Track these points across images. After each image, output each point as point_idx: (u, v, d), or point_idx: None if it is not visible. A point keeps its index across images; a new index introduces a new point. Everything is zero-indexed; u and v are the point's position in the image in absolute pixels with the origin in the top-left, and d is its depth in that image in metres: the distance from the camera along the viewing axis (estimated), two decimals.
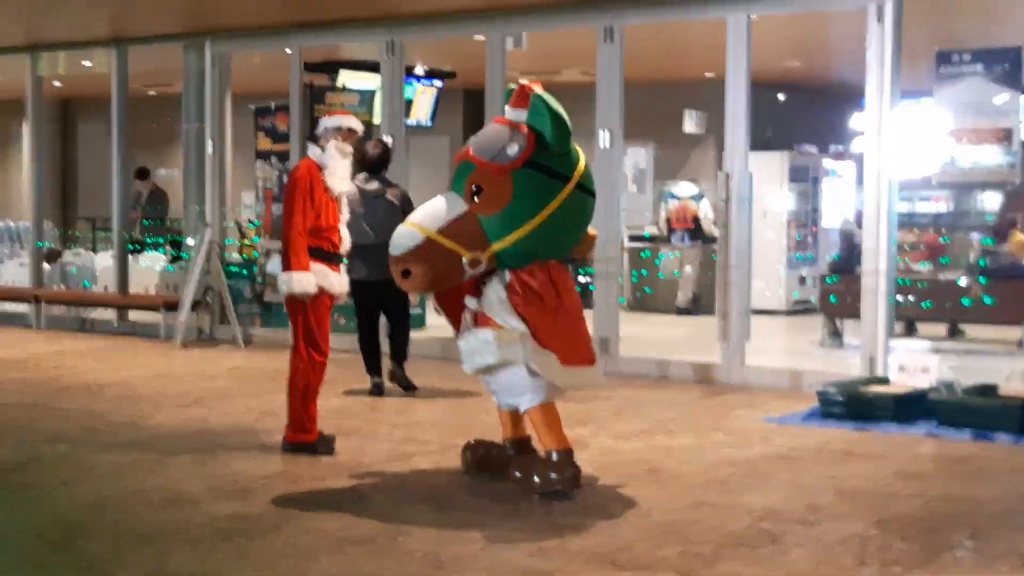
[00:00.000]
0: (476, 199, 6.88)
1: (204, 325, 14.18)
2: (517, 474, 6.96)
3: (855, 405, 9.24)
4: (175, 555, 5.71)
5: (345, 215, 8.15)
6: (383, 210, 9.99)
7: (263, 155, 14.28)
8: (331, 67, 15.23)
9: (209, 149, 14.35)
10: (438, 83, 16.70)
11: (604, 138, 11.73)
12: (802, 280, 17.00)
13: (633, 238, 17.50)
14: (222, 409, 9.52)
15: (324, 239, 7.92)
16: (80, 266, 16.47)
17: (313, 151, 8.05)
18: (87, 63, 16.96)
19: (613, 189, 11.88)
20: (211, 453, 7.94)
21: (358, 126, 8.18)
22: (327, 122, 8.11)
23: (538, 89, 6.99)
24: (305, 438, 7.94)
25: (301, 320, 7.89)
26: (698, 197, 16.96)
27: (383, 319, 10.55)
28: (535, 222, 6.86)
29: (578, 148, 7.16)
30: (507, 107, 7.09)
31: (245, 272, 14.27)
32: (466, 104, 18.84)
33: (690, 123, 17.55)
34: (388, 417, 9.36)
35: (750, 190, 11.13)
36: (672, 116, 17.68)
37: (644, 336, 13.29)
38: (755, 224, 11.53)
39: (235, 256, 14.79)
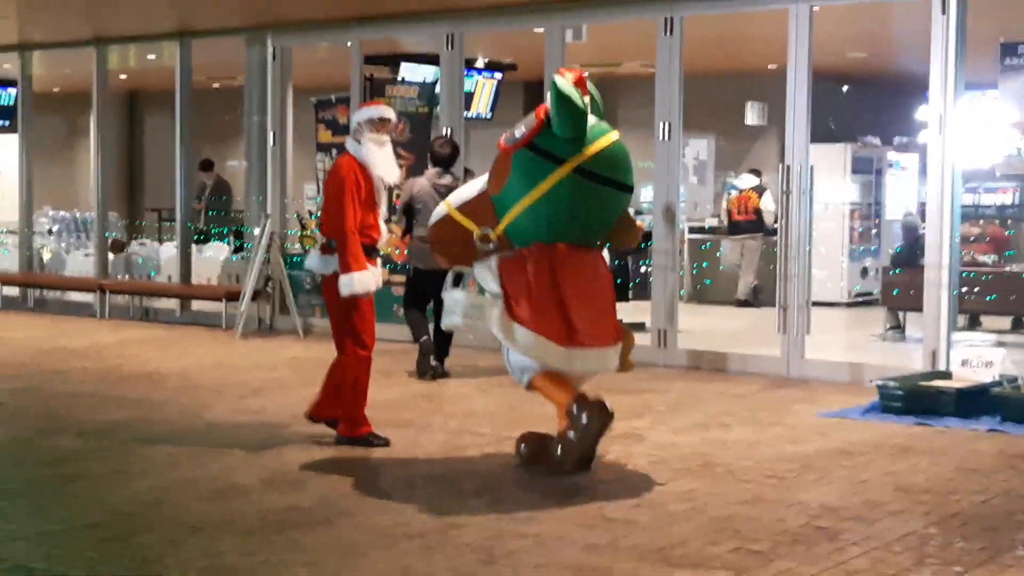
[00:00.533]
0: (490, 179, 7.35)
1: (264, 315, 14.27)
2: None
3: (916, 400, 9.11)
4: (227, 548, 5.72)
5: (383, 208, 8.14)
6: None
7: (323, 148, 14.33)
8: (391, 60, 15.24)
9: (270, 142, 14.42)
10: (498, 75, 16.67)
11: (663, 130, 11.65)
12: (864, 272, 16.84)
13: (693, 230, 17.41)
14: (279, 400, 9.56)
15: (365, 235, 7.90)
16: (145, 256, 16.62)
17: (351, 145, 7.98)
18: (152, 56, 17.12)
19: (672, 181, 11.81)
20: (266, 444, 7.98)
21: (390, 114, 8.10)
22: (359, 115, 8.06)
23: (559, 75, 7.19)
24: (360, 431, 7.95)
25: (353, 316, 7.88)
26: (760, 189, 16.83)
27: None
28: (525, 202, 7.13)
29: (603, 134, 7.23)
30: None
31: (305, 263, 14.30)
32: (526, 96, 18.78)
33: (752, 115, 17.43)
34: (443, 408, 9.37)
35: (811, 182, 11.02)
36: (734, 108, 17.57)
37: (703, 328, 13.21)
38: (816, 215, 11.42)
39: (295, 247, 14.85)
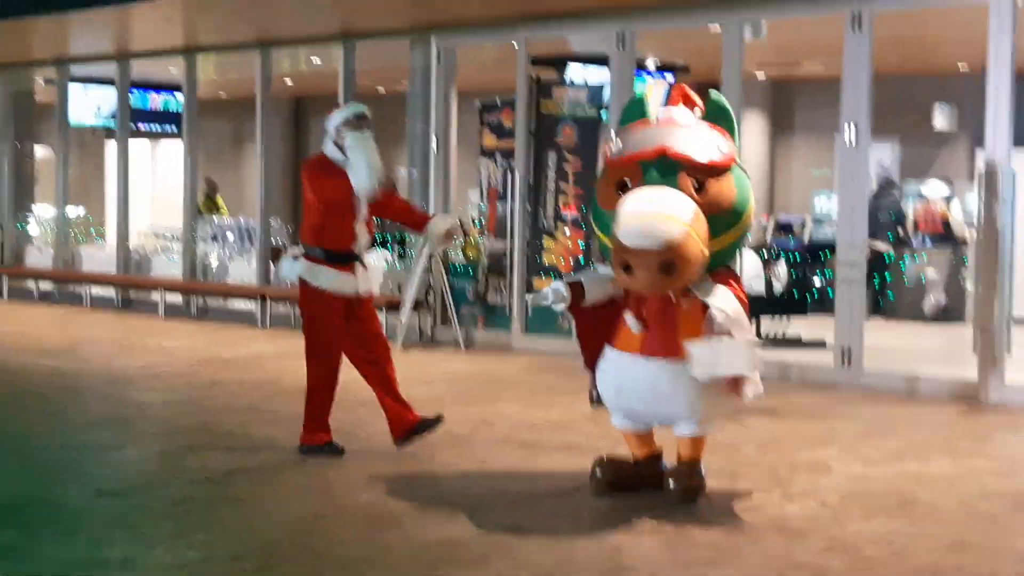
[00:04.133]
0: (702, 192, 6.57)
1: (425, 326, 13.86)
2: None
3: None
4: None
5: (363, 212, 7.74)
6: None
7: (488, 152, 13.87)
8: (559, 61, 14.74)
9: (434, 147, 14.01)
10: (670, 77, 16.03)
11: (849, 133, 10.88)
12: None
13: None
14: None
15: (336, 241, 7.69)
16: None
17: (328, 149, 7.74)
18: (317, 60, 16.91)
19: (859, 188, 11.04)
20: (421, 468, 7.49)
21: (363, 108, 7.82)
22: (333, 121, 7.72)
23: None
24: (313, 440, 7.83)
25: (304, 322, 7.94)
26: (948, 198, 15.87)
27: None
28: (748, 218, 6.75)
29: None
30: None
31: (469, 272, 13.91)
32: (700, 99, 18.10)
33: (941, 118, 16.46)
34: (612, 431, 8.72)
35: (1013, 190, 10.16)
36: (920, 111, 16.66)
37: (890, 346, 12.37)
38: (1018, 226, 10.56)
39: (459, 256, 14.41)
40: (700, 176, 6.43)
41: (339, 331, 7.77)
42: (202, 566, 5.55)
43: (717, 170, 6.48)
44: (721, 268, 6.59)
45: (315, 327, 7.81)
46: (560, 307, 6.76)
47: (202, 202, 19.32)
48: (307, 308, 7.87)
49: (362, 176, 7.54)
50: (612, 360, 6.69)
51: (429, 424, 7.83)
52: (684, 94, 6.87)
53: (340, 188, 7.61)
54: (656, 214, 6.20)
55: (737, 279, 6.73)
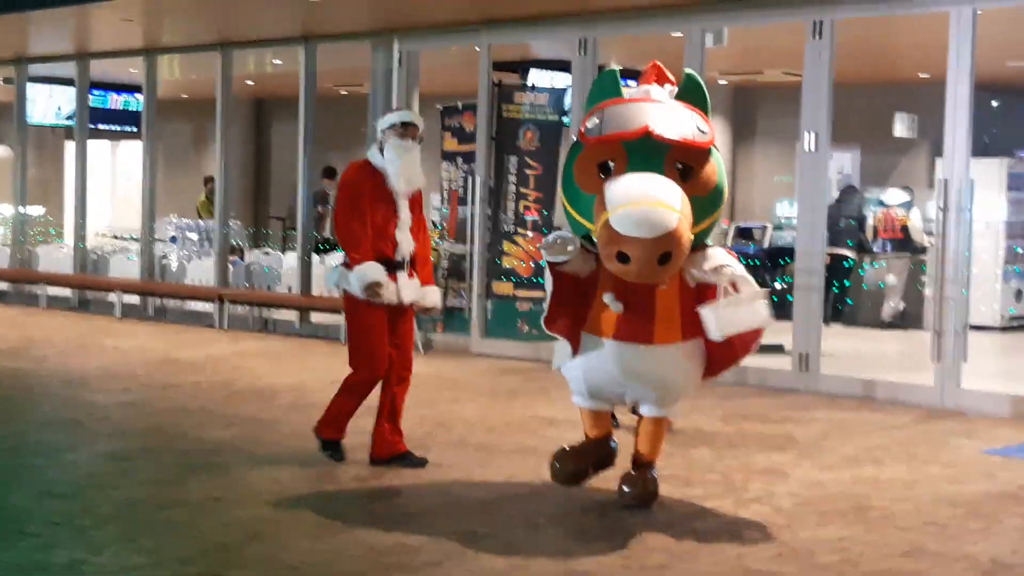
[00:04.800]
0: (694, 178, 6.47)
1: None
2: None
3: None
4: None
5: (404, 217, 7.51)
6: None
7: (449, 156, 13.82)
8: (521, 66, 14.70)
9: None
10: (632, 83, 16.00)
11: (809, 141, 10.89)
12: (1019, 295, 15.86)
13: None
14: None
15: (376, 250, 7.40)
16: (268, 265, 16.25)
17: (371, 153, 7.54)
18: (277, 61, 16.81)
19: (819, 195, 11.06)
20: (377, 471, 7.41)
21: (414, 118, 7.58)
22: (383, 122, 7.56)
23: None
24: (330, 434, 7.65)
25: (351, 332, 7.61)
26: (907, 205, 15.93)
27: None
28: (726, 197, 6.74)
29: None
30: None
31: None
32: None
33: (901, 126, 16.50)
34: (570, 434, 8.68)
35: (971, 199, 10.19)
36: (880, 119, 16.70)
37: (848, 352, 12.39)
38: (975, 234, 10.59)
39: None
40: (686, 159, 6.34)
41: (382, 339, 7.45)
42: (150, 570, 5.47)
43: (702, 152, 6.39)
44: (701, 245, 6.50)
45: (356, 334, 7.54)
46: (562, 258, 6.43)
47: (201, 203, 19.15)
48: (347, 317, 7.64)
49: (397, 184, 7.40)
50: (584, 342, 6.59)
51: (413, 461, 7.52)
52: (659, 71, 6.78)
53: (379, 193, 7.41)
54: (655, 203, 6.08)
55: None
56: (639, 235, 6.01)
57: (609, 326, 6.46)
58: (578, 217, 6.52)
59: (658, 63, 6.88)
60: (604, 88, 6.72)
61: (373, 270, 7.29)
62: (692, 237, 6.21)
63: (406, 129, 7.47)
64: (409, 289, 7.51)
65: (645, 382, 6.53)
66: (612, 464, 6.89)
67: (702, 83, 6.68)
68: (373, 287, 7.28)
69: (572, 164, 6.57)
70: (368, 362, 7.44)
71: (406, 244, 7.49)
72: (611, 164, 6.36)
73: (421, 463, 7.51)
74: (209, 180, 18.92)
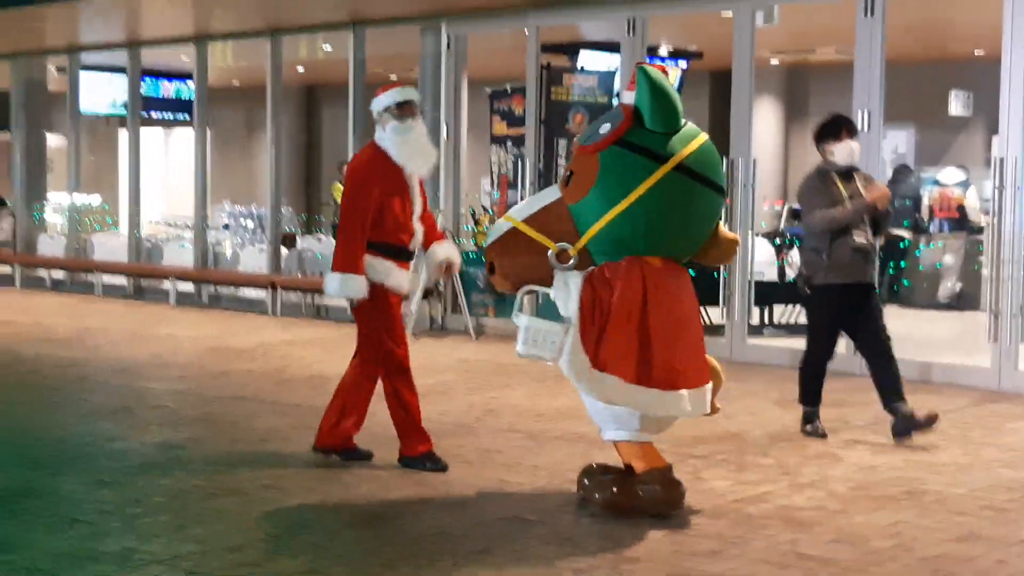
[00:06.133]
0: (567, 185, 6.25)
1: (436, 314, 13.78)
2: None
3: None
4: None
5: (417, 203, 7.20)
6: None
7: (498, 140, 13.77)
8: (570, 48, 14.62)
9: (444, 134, 13.91)
10: (683, 64, 15.90)
11: (862, 119, 10.75)
12: None
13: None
14: (443, 406, 8.96)
15: (394, 236, 7.10)
16: (321, 252, 16.29)
17: (378, 135, 7.11)
18: (327, 47, 16.82)
19: (873, 174, 10.90)
20: None
21: (412, 95, 7.08)
22: (377, 104, 7.08)
23: (647, 68, 6.24)
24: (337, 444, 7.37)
25: (360, 327, 7.37)
26: (964, 184, 15.73)
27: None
28: (622, 206, 6.05)
29: (696, 132, 6.26)
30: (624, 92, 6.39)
31: (480, 260, 13.81)
32: (713, 86, 17.97)
33: (956, 104, 16.29)
34: None
35: None
36: (935, 97, 16.50)
37: (904, 333, 12.21)
38: None
39: (470, 243, 14.32)
40: (574, 164, 6.29)
41: (394, 330, 7.35)
42: (199, 558, 5.47)
43: (580, 157, 6.26)
44: (630, 258, 6.13)
45: (364, 322, 7.38)
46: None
47: (335, 188, 19.17)
48: (365, 311, 7.29)
49: (415, 166, 7.07)
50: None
51: (435, 465, 7.21)
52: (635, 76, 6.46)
53: (392, 183, 7.04)
54: (505, 216, 6.44)
55: (626, 265, 6.13)
56: (484, 246, 6.32)
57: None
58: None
59: (642, 62, 6.67)
60: None
61: (359, 286, 7.06)
62: (553, 247, 6.15)
63: (402, 109, 7.02)
64: (413, 281, 7.44)
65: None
66: None
67: (647, 78, 6.14)
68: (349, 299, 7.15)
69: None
70: (375, 351, 7.36)
71: (419, 232, 7.28)
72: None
73: (440, 467, 7.18)
74: (343, 165, 18.98)
